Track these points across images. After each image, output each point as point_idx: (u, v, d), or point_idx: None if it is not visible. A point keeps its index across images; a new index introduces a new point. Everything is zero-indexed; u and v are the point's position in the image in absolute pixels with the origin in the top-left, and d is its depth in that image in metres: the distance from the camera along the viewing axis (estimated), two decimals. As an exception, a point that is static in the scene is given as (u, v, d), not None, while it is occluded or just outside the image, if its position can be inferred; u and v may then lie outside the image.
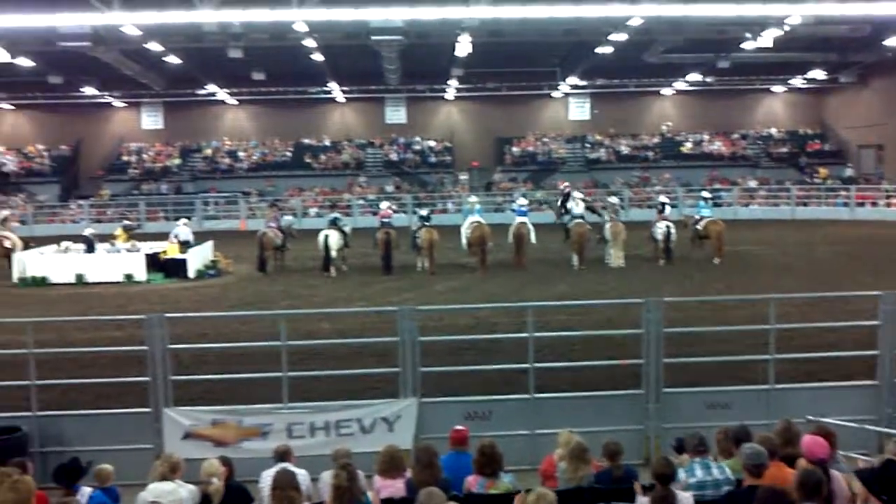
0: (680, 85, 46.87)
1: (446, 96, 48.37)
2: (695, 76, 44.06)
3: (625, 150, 48.40)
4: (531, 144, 48.89)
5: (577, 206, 25.72)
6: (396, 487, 7.00)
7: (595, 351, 13.11)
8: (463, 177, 46.71)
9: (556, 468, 7.42)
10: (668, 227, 24.78)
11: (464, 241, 25.17)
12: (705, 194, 29.12)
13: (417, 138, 49.39)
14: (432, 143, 49.11)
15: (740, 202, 41.97)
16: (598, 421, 9.63)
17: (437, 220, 29.58)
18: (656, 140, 49.08)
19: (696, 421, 9.21)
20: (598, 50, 35.83)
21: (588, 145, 48.90)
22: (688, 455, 7.23)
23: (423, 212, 25.94)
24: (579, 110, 50.44)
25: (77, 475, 7.25)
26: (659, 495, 6.32)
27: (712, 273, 23.04)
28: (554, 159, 47.88)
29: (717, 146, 47.98)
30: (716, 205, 34.66)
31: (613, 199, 28.63)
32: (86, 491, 7.37)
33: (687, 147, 48.36)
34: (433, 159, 48.16)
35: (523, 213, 25.30)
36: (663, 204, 26.69)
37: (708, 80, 44.94)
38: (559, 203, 31.05)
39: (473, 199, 27.57)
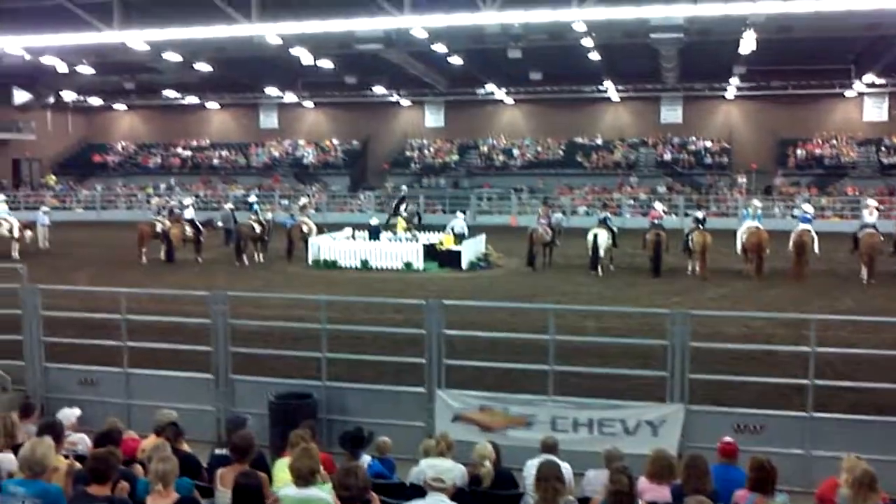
0: None
1: (726, 95, 46.43)
2: None
3: (928, 154, 43.72)
4: (818, 147, 45.58)
5: (870, 214, 23.69)
6: (662, 493, 6.90)
7: (884, 372, 12.05)
8: (740, 179, 44.56)
9: (836, 494, 6.95)
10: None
11: (739, 246, 24.10)
12: None
13: (693, 138, 47.85)
14: (708, 144, 47.36)
15: None
16: (886, 449, 8.86)
17: (711, 223, 28.52)
18: (968, 145, 43.84)
19: None
20: (903, 45, 32.67)
21: (884, 149, 44.68)
22: None
23: (699, 214, 25.14)
24: (876, 111, 46.22)
25: (360, 443, 7.89)
26: None
27: None
28: (843, 163, 44.34)
29: None
30: None
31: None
32: (366, 459, 8.00)
33: None
34: (708, 160, 46.43)
35: (807, 220, 23.72)
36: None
37: None
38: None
39: (756, 202, 26.20)
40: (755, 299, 20.06)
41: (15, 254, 27.59)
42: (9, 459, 6.74)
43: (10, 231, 28.08)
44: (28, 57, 35.83)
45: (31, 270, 12.99)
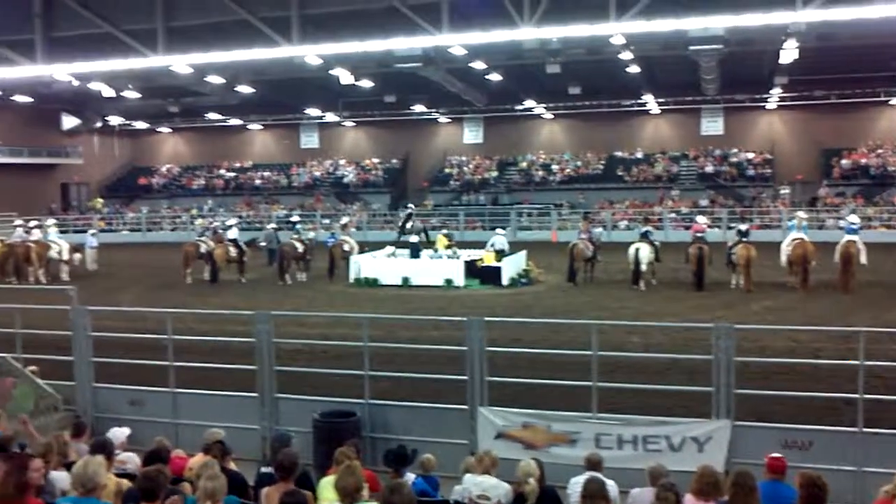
0: None
1: (767, 106, 45.91)
2: None
3: (980, 162, 42.67)
4: (864, 156, 44.76)
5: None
6: (708, 509, 6.82)
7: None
8: (784, 191, 43.97)
9: (889, 510, 6.82)
10: None
11: (783, 258, 23.78)
12: None
13: (734, 150, 47.34)
14: (750, 155, 46.79)
15: None
16: (939, 464, 8.65)
17: (755, 236, 28.18)
18: None
19: None
20: (951, 51, 32.01)
21: (933, 157, 43.79)
22: None
23: (742, 227, 24.86)
24: (924, 118, 45.38)
25: (405, 461, 7.92)
26: None
27: None
28: (890, 173, 43.43)
29: None
30: None
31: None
32: (410, 476, 8.02)
33: None
34: (751, 172, 45.86)
35: (853, 231, 23.34)
36: None
37: None
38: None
39: (802, 214, 25.86)
40: (801, 312, 19.76)
41: (64, 276, 28.21)
42: (62, 477, 6.90)
43: (60, 254, 28.71)
44: (76, 83, 36.70)
45: (80, 292, 13.25)
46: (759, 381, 11.86)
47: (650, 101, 46.02)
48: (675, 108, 47.22)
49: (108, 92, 40.07)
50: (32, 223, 31.78)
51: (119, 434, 8.50)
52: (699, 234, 24.46)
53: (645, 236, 24.92)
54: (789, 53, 31.36)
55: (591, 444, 9.76)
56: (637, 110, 47.72)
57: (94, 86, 38.39)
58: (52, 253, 28.56)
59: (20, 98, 43.34)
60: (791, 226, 25.21)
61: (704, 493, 6.95)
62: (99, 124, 53.43)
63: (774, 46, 31.42)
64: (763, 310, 20.12)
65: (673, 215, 41.98)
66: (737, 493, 6.60)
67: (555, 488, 7.70)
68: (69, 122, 52.46)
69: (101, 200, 53.97)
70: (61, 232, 33.57)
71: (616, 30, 27.44)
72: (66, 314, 12.50)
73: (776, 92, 42.56)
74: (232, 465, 7.96)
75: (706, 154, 47.61)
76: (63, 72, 34.26)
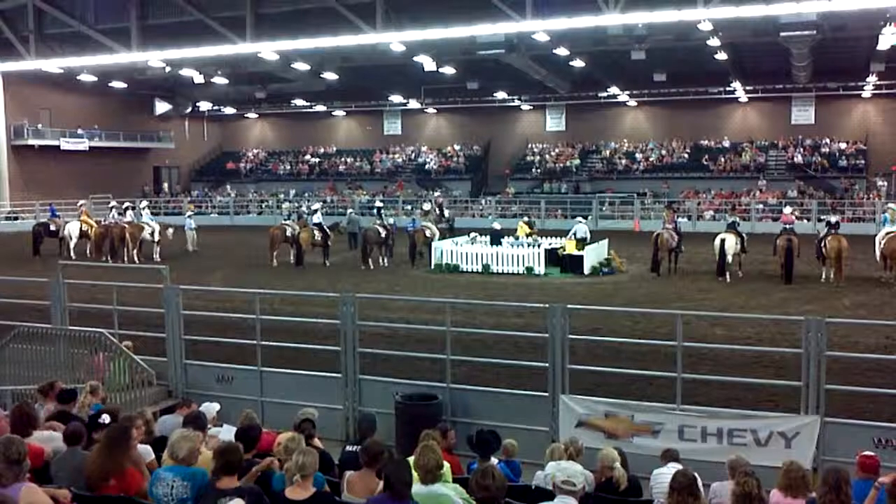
0: None
1: (862, 94, 44.26)
2: None
3: None
4: (967, 147, 42.80)
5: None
6: (796, 506, 6.67)
7: None
8: (879, 182, 42.35)
9: None
10: None
11: (877, 252, 22.96)
12: None
13: (826, 140, 45.80)
14: (843, 146, 45.20)
15: None
16: None
17: (847, 229, 27.27)
18: None
19: None
20: None
21: None
22: None
23: (833, 218, 24.06)
24: None
25: (490, 445, 7.95)
26: None
27: None
28: None
29: None
30: None
31: None
32: (492, 461, 8.05)
33: None
34: (843, 163, 44.30)
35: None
36: None
37: None
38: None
39: (893, 206, 24.92)
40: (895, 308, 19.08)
41: (156, 256, 29.16)
42: (147, 451, 7.17)
43: (152, 235, 29.68)
44: (168, 69, 37.86)
45: (171, 272, 13.66)
46: (850, 377, 11.52)
47: (738, 89, 44.92)
48: (763, 96, 45.99)
49: (198, 78, 41.24)
50: (126, 205, 32.94)
51: (211, 409, 8.76)
52: (788, 226, 23.80)
53: (732, 227, 24.34)
54: (887, 39, 30.17)
55: (675, 436, 9.64)
56: (724, 98, 46.63)
57: (186, 72, 39.54)
58: (146, 234, 29.54)
59: (116, 84, 44.94)
60: (884, 219, 24.28)
61: (793, 489, 6.76)
62: (189, 110, 55.06)
63: (871, 32, 30.31)
64: (855, 305, 19.47)
65: (760, 206, 40.93)
66: (828, 490, 6.41)
67: (638, 479, 7.65)
68: (161, 107, 54.16)
69: (165, 186, 55.53)
70: (153, 214, 34.69)
71: (704, 16, 26.90)
72: (160, 293, 12.93)
73: (872, 80, 41.01)
74: (318, 443, 8.11)
75: (796, 144, 46.20)
76: (156, 58, 35.39)
